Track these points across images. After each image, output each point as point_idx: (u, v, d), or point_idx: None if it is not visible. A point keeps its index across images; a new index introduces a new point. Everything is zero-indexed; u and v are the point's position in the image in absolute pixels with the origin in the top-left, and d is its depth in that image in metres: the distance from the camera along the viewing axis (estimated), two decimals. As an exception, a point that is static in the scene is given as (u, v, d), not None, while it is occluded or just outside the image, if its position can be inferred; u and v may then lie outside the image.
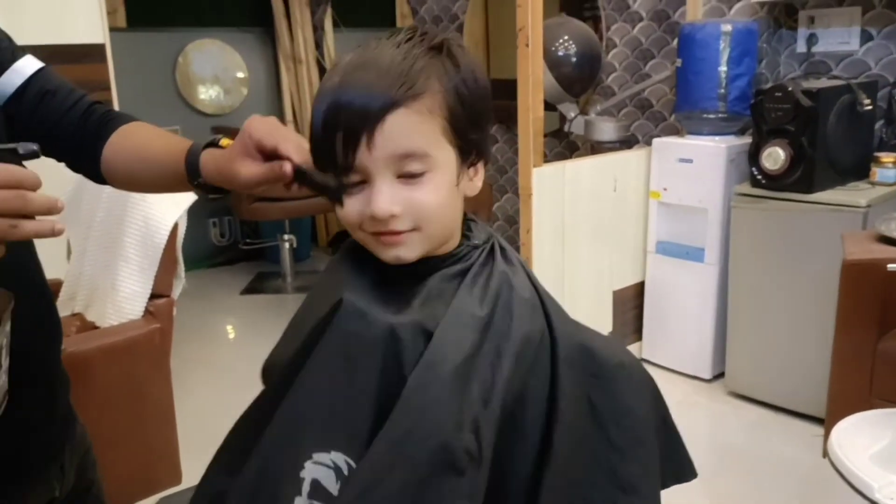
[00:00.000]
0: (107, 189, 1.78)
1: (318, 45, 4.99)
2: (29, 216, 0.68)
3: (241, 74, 4.90)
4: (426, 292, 0.75)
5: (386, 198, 0.71)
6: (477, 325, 0.73)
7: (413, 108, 0.70)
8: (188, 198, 1.74)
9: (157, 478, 1.57)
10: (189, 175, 0.92)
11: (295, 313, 0.86)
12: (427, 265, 0.77)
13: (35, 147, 0.69)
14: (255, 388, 0.86)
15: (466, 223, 0.81)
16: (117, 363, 1.54)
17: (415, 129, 0.71)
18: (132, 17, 4.34)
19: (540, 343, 0.76)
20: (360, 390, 0.72)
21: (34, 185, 0.69)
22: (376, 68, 0.71)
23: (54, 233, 0.70)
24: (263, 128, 0.84)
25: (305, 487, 0.72)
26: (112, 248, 1.68)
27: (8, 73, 0.96)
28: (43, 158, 1.02)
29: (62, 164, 1.03)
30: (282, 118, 5.10)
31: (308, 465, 0.73)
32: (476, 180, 0.79)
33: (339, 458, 0.72)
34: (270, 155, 0.82)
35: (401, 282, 0.77)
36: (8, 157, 0.68)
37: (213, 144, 0.92)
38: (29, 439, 0.91)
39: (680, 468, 0.85)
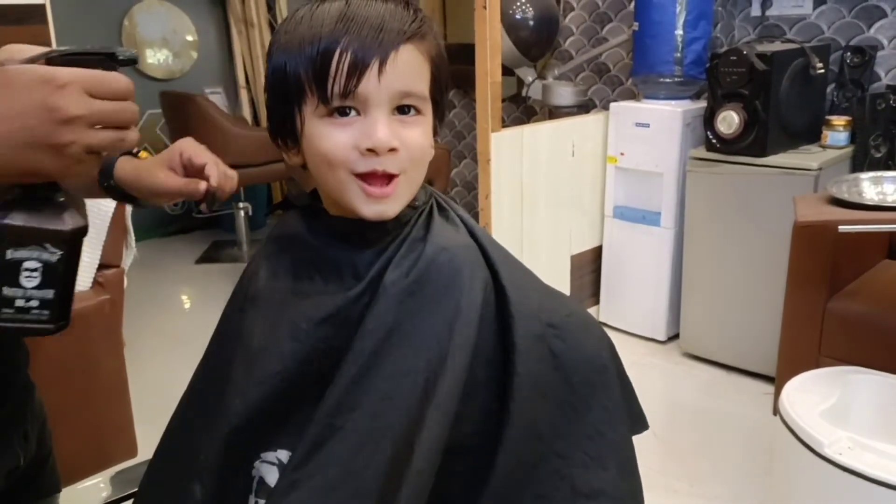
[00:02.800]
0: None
1: (271, 8, 4.85)
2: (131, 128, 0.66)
3: (190, 37, 4.75)
4: (360, 267, 0.75)
5: (387, 130, 0.70)
6: (403, 297, 0.72)
7: (420, 48, 0.72)
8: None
9: (112, 451, 1.54)
10: (101, 176, 0.95)
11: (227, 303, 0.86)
12: (375, 230, 0.76)
13: (134, 52, 0.66)
14: None
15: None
16: (67, 335, 1.49)
17: (420, 68, 0.73)
18: (74, -24, 4.16)
19: (484, 299, 0.75)
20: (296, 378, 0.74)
21: (134, 96, 0.66)
22: (379, 5, 0.71)
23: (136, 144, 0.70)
24: (196, 147, 0.94)
25: (254, 486, 0.75)
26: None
27: None
28: None
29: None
30: (234, 83, 4.97)
31: (257, 464, 0.75)
32: (433, 145, 0.78)
33: (283, 454, 0.74)
34: (194, 173, 0.92)
35: (338, 252, 0.77)
36: (104, 62, 0.63)
37: (131, 154, 0.98)
38: None
39: (634, 421, 0.86)
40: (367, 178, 0.71)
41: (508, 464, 0.72)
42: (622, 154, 3.00)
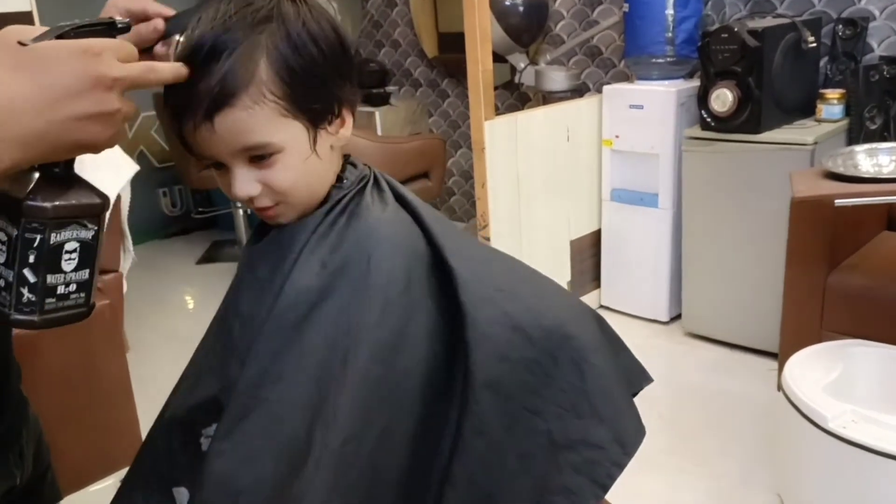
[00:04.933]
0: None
1: (260, 4, 4.83)
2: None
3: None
4: (285, 243, 0.78)
5: (241, 184, 0.74)
6: (324, 272, 0.75)
7: (238, 106, 0.70)
8: (131, 168, 1.68)
9: (118, 455, 1.54)
10: None
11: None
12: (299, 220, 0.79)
13: (129, 20, 0.66)
14: None
15: (345, 166, 0.83)
16: (67, 342, 1.50)
17: (244, 125, 0.71)
18: (61, -19, 4.14)
19: (409, 273, 0.76)
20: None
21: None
22: (197, 61, 0.69)
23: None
24: None
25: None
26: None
27: None
28: None
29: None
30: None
31: (202, 440, 0.81)
32: (344, 130, 0.79)
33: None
34: (139, 20, 0.79)
35: (274, 232, 0.81)
36: (107, 31, 0.63)
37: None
38: None
39: (634, 375, 0.86)
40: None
41: (473, 427, 0.73)
42: (617, 137, 3.00)
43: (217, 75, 0.69)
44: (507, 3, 3.33)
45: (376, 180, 0.84)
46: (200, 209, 4.78)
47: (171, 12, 0.80)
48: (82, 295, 0.64)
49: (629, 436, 0.79)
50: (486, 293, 0.77)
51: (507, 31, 3.31)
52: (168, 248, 4.67)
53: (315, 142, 0.75)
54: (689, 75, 2.96)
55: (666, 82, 2.88)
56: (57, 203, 0.61)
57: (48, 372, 1.44)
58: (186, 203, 4.87)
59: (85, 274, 0.64)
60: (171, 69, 0.68)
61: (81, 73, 0.58)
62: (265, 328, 0.74)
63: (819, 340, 2.12)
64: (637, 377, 0.87)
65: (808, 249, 2.28)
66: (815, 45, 2.61)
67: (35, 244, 0.60)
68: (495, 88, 2.90)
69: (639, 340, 2.91)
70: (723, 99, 2.57)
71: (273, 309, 0.74)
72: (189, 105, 0.70)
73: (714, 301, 2.84)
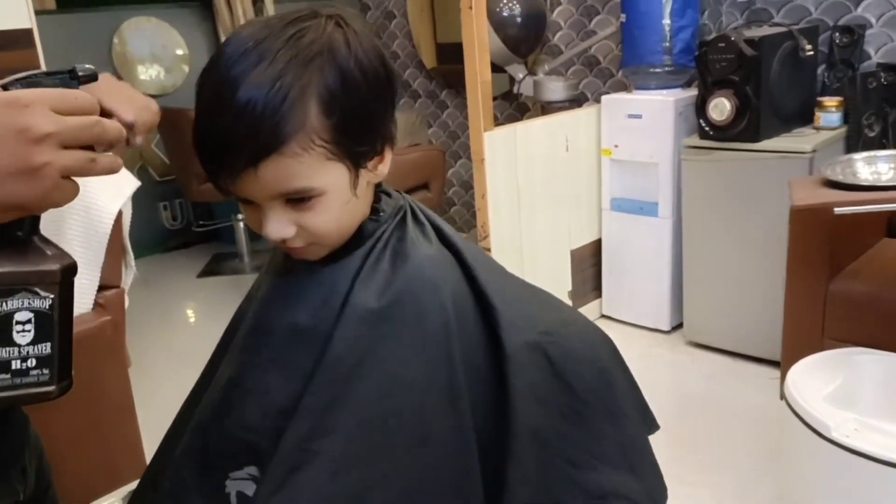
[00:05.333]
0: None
1: (259, 15, 4.86)
2: (104, 148, 0.60)
3: (180, 52, 4.76)
4: (326, 286, 0.75)
5: (275, 225, 0.70)
6: (374, 320, 0.72)
7: (285, 153, 0.66)
8: (131, 184, 1.68)
9: (120, 471, 1.54)
10: None
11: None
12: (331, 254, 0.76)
13: (93, 68, 0.61)
14: None
15: (378, 195, 0.79)
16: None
17: (292, 171, 0.67)
18: (62, -3, 4.17)
19: (458, 316, 0.74)
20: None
21: (99, 112, 0.61)
22: (240, 102, 0.64)
23: (118, 169, 0.64)
24: (100, 91, 0.80)
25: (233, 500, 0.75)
26: (52, 238, 1.61)
27: None
28: None
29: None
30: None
31: (228, 482, 0.75)
32: (381, 167, 0.76)
33: (252, 469, 0.74)
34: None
35: (307, 270, 0.77)
36: (65, 81, 0.59)
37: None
38: None
39: (645, 422, 0.86)
40: None
41: (519, 476, 0.72)
42: (616, 146, 3.00)
43: (268, 122, 0.64)
44: (505, 14, 3.35)
45: (413, 211, 0.81)
46: (201, 222, 4.79)
47: (129, 117, 0.75)
48: (45, 371, 0.58)
49: (658, 492, 0.80)
50: (533, 338, 0.75)
51: (504, 42, 3.33)
52: (169, 261, 4.67)
53: (356, 184, 0.72)
54: (687, 84, 2.97)
55: (664, 91, 2.89)
56: (2, 269, 0.56)
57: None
58: (187, 216, 4.88)
59: (46, 348, 0.58)
60: (116, 130, 0.62)
61: (6, 125, 0.54)
62: (314, 380, 0.71)
63: (821, 348, 2.12)
64: (649, 422, 0.86)
65: (808, 257, 2.29)
66: (812, 53, 2.63)
67: None
68: (494, 99, 2.91)
69: (640, 350, 2.91)
70: (721, 108, 2.58)
71: (322, 361, 0.71)
72: (231, 148, 0.66)
73: (715, 310, 2.84)
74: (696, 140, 2.73)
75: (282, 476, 0.69)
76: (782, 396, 1.87)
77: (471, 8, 2.51)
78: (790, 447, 1.85)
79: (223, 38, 4.80)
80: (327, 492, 0.68)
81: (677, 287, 2.98)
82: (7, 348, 0.56)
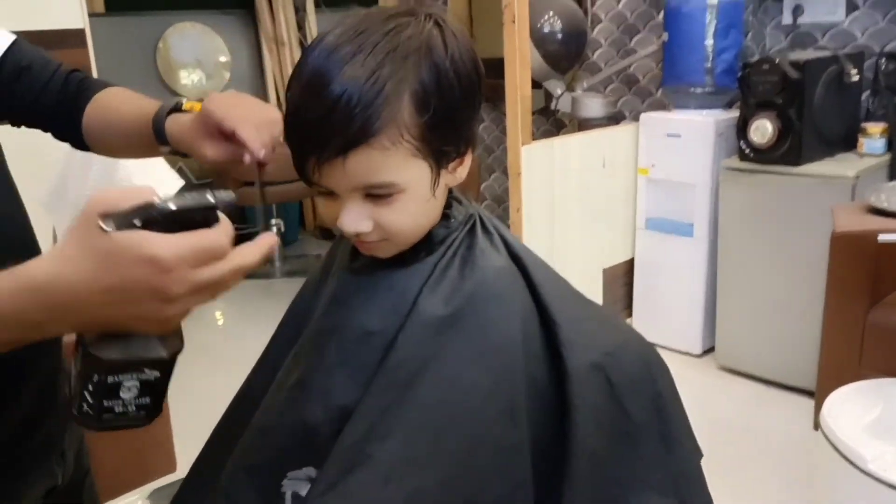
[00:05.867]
0: (92, 174, 1.75)
1: (301, 27, 4.92)
2: None
3: (223, 58, 4.83)
4: (396, 291, 0.74)
5: (352, 217, 0.70)
6: (439, 326, 0.71)
7: (374, 145, 0.65)
8: (176, 184, 1.71)
9: (152, 466, 1.56)
10: (158, 139, 0.91)
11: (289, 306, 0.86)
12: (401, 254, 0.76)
13: (233, 197, 0.61)
14: (247, 373, 0.88)
15: (450, 201, 0.78)
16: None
17: (378, 164, 0.67)
18: (111, 1, 4.26)
19: (525, 329, 0.73)
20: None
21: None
22: (336, 92, 0.64)
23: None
24: (222, 109, 0.83)
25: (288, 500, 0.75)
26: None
27: None
28: (33, 133, 1.01)
29: (43, 150, 1.02)
30: (266, 101, 5.04)
31: (285, 482, 0.75)
32: (461, 170, 0.75)
33: (311, 470, 0.74)
34: (226, 137, 0.83)
35: (379, 273, 0.76)
36: (205, 214, 0.58)
37: (177, 108, 0.92)
38: (33, 431, 0.89)
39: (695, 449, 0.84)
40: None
41: (573, 497, 0.71)
42: (653, 165, 2.98)
43: (361, 113, 0.64)
44: (546, 30, 3.35)
45: (482, 220, 0.80)
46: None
47: (256, 141, 0.80)
48: (142, 413, 0.64)
49: None
50: (596, 358, 0.74)
51: (544, 58, 3.33)
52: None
53: (436, 184, 0.71)
54: (728, 105, 2.95)
55: (704, 112, 2.87)
56: (113, 358, 0.60)
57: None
58: (222, 219, 4.93)
59: (146, 400, 0.63)
60: (246, 268, 0.62)
61: (144, 284, 0.56)
62: (375, 383, 0.71)
63: (857, 379, 2.07)
64: (696, 448, 0.84)
65: (848, 285, 2.24)
66: (857, 78, 2.59)
67: (93, 379, 0.61)
68: (531, 114, 2.91)
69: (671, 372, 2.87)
70: (762, 130, 2.55)
71: (384, 362, 0.71)
72: (322, 136, 0.65)
73: (749, 335, 2.79)
74: (735, 162, 2.70)
75: (334, 477, 0.69)
76: (816, 426, 1.83)
77: (513, 22, 2.52)
78: (824, 478, 1.81)
79: (265, 47, 4.87)
80: (379, 497, 0.68)
81: (710, 310, 2.94)
82: (113, 400, 0.62)
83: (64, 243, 0.57)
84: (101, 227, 0.55)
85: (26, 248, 0.90)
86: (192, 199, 0.58)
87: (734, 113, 2.81)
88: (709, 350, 3.00)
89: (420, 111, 0.67)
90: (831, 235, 2.18)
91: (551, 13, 3.35)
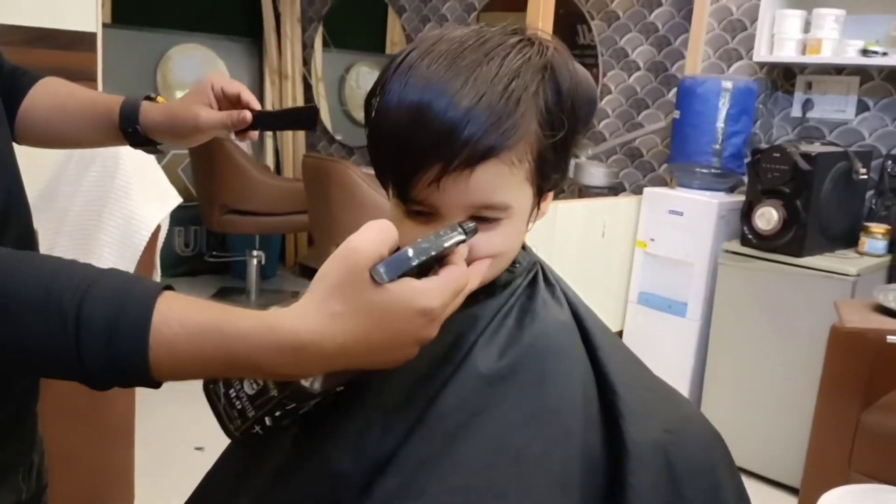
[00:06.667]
0: (87, 181, 1.67)
1: (306, 63, 4.92)
2: None
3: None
4: (452, 335, 0.67)
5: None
6: (492, 379, 0.65)
7: (504, 160, 0.60)
8: (174, 200, 1.63)
9: (110, 496, 1.44)
10: (122, 121, 0.94)
11: None
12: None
13: (473, 225, 0.61)
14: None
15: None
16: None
17: (502, 181, 0.62)
18: (118, 12, 4.22)
19: (584, 394, 0.67)
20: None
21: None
22: (469, 99, 0.58)
23: None
24: (224, 78, 0.95)
25: None
26: (86, 245, 1.55)
27: None
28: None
29: (40, 151, 1.00)
30: (262, 132, 4.99)
31: None
32: (544, 205, 0.70)
33: None
34: (228, 105, 0.94)
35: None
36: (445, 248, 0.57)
37: (149, 99, 0.97)
38: (5, 446, 0.84)
39: None
40: None
41: None
42: (652, 240, 2.96)
43: (499, 123, 0.59)
44: (556, 94, 3.36)
45: (544, 270, 0.74)
46: (214, 252, 4.72)
47: (257, 105, 0.92)
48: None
49: None
50: (657, 436, 0.68)
51: (552, 121, 3.33)
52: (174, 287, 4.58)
53: (534, 216, 0.67)
54: (731, 189, 2.95)
55: (707, 193, 2.86)
56: (324, 389, 0.60)
57: (57, 397, 1.35)
58: (200, 244, 4.82)
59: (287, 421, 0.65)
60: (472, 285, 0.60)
61: (413, 336, 0.55)
62: (414, 434, 0.63)
63: (846, 481, 2.01)
64: None
65: (844, 382, 2.20)
66: (865, 177, 2.60)
67: (287, 408, 0.61)
68: (536, 175, 2.89)
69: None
70: (768, 217, 2.54)
71: (427, 411, 0.64)
72: (449, 145, 0.58)
73: (734, 424, 2.73)
74: (736, 245, 2.69)
75: None
76: (809, 527, 1.76)
77: (531, 81, 2.51)
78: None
79: (268, 78, 4.85)
80: None
81: (696, 393, 2.88)
82: (287, 419, 0.63)
83: (326, 302, 0.53)
84: (374, 280, 0.53)
85: (27, 233, 0.86)
86: (443, 238, 0.57)
87: (737, 197, 2.81)
88: (690, 434, 2.93)
89: (545, 131, 0.62)
90: (832, 330, 2.15)
91: (563, 78, 3.36)
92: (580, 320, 0.72)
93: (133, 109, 0.94)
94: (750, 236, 2.62)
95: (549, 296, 0.72)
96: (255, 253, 4.28)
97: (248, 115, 0.92)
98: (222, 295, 4.43)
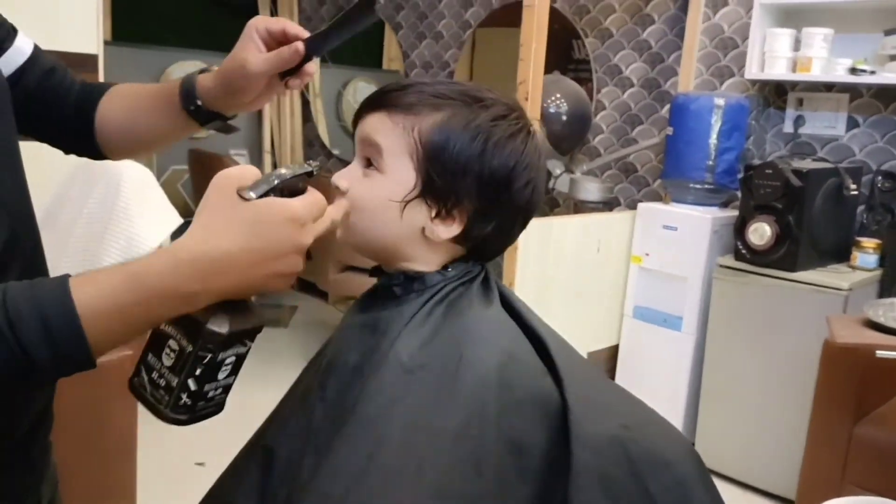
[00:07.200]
0: (90, 203, 1.70)
1: (304, 79, 4.95)
2: None
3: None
4: (380, 330, 0.76)
5: (344, 171, 0.79)
6: (411, 367, 0.72)
7: (393, 117, 0.76)
8: (175, 221, 1.65)
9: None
10: (184, 100, 0.92)
11: None
12: (393, 281, 0.79)
13: (318, 164, 0.73)
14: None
15: (457, 262, 0.81)
16: (82, 389, 1.43)
17: (384, 128, 0.76)
18: (118, 30, 4.26)
19: (501, 380, 0.72)
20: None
21: None
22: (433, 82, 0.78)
23: None
24: (270, 20, 0.89)
25: None
26: (88, 266, 1.57)
27: (10, 53, 0.91)
28: (35, 154, 0.98)
29: (43, 171, 0.99)
30: (260, 146, 5.03)
31: None
32: (438, 228, 0.77)
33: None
34: (279, 42, 0.88)
35: (369, 309, 0.80)
36: (305, 179, 0.68)
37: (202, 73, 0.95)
38: (14, 471, 0.84)
39: None
40: None
41: None
42: (647, 254, 2.99)
43: (411, 94, 0.76)
44: (553, 110, 3.40)
45: (486, 278, 0.81)
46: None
47: (306, 34, 0.87)
48: (223, 395, 0.70)
49: None
50: (609, 428, 0.72)
51: (548, 137, 3.37)
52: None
53: (406, 202, 0.76)
54: (724, 205, 2.99)
55: (701, 208, 2.90)
56: (231, 329, 0.65)
57: (60, 413, 1.37)
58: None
59: (231, 379, 0.69)
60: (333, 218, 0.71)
61: (286, 240, 0.63)
62: (348, 420, 0.71)
63: (839, 493, 2.03)
64: None
65: (837, 395, 2.23)
66: (855, 192, 2.64)
67: (205, 361, 0.65)
68: (532, 191, 2.92)
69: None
70: (761, 232, 2.58)
71: (357, 401, 0.71)
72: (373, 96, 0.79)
73: (730, 436, 2.76)
74: (730, 260, 2.72)
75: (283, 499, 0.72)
76: (804, 539, 1.78)
77: (526, 99, 2.55)
78: None
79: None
80: None
81: (692, 407, 2.91)
82: (211, 383, 0.67)
83: (205, 219, 0.63)
84: (243, 198, 0.62)
85: (37, 253, 0.87)
86: (295, 168, 0.67)
87: (730, 212, 2.85)
88: (686, 447, 2.95)
89: (446, 134, 0.75)
90: (825, 345, 2.18)
91: (559, 95, 3.41)
92: (523, 321, 0.79)
93: (190, 85, 0.92)
94: (743, 251, 2.65)
95: (482, 296, 0.78)
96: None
97: (299, 45, 0.86)
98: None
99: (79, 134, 0.97)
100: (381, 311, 0.78)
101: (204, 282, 0.61)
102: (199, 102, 0.91)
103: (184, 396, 0.66)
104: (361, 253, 0.81)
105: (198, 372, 0.65)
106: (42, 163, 1.08)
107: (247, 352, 0.68)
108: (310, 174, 0.68)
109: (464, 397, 0.70)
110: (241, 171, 0.64)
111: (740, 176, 2.76)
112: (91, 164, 1.90)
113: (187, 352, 0.65)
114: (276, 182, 0.64)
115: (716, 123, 2.81)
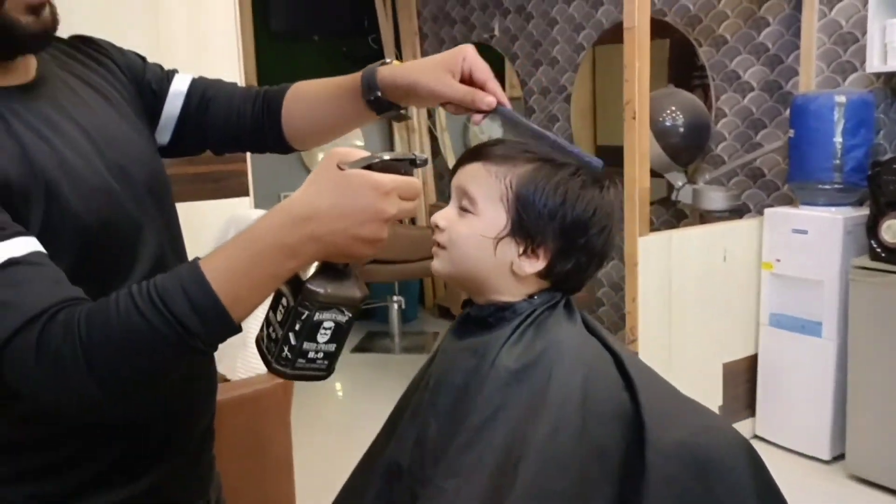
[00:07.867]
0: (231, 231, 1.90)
1: (430, 115, 5.20)
2: None
3: (358, 142, 5.17)
4: (480, 352, 0.89)
5: (442, 213, 0.93)
6: (509, 380, 0.85)
7: (487, 167, 0.90)
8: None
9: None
10: (365, 90, 1.00)
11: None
12: (484, 312, 0.92)
13: (425, 157, 0.81)
14: (364, 444, 1.03)
15: (543, 293, 0.92)
16: (243, 415, 1.66)
17: (477, 178, 0.90)
18: (262, 82, 4.66)
19: (585, 391, 0.83)
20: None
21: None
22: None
23: None
24: (477, 59, 0.96)
25: None
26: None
27: (169, 100, 1.05)
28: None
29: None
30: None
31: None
32: (525, 264, 0.89)
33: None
34: (468, 80, 0.95)
35: (466, 336, 0.93)
36: (407, 166, 0.77)
37: (384, 64, 1.02)
38: (189, 479, 1.01)
39: None
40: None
41: None
42: (778, 260, 2.93)
43: (503, 148, 0.91)
44: (668, 123, 3.41)
45: (568, 303, 0.93)
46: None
47: (505, 100, 0.96)
48: (325, 362, 0.78)
49: None
50: (679, 434, 0.81)
51: (665, 150, 3.37)
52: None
53: (498, 241, 0.88)
54: (858, 203, 2.87)
55: (832, 209, 2.81)
56: (328, 291, 0.75)
57: (224, 438, 1.58)
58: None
59: (332, 347, 0.77)
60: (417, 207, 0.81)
61: (370, 206, 0.72)
62: (459, 430, 0.85)
63: None
64: None
65: None
66: None
67: (303, 317, 0.74)
68: (651, 204, 2.95)
69: (794, 478, 2.73)
70: (894, 229, 2.47)
71: (468, 415, 0.85)
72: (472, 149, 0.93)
73: (884, 444, 2.63)
74: (866, 261, 2.62)
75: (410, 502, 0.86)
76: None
77: (634, 118, 2.60)
78: None
79: (397, 134, 5.18)
80: None
81: (840, 414, 2.80)
82: (310, 343, 0.76)
83: (306, 184, 0.75)
84: (339, 168, 0.73)
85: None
86: (397, 154, 0.76)
87: (864, 211, 2.74)
88: (838, 457, 2.84)
89: (527, 182, 0.88)
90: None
91: (673, 108, 3.41)
92: (605, 342, 0.90)
93: (371, 77, 0.99)
94: (878, 250, 2.55)
95: (566, 318, 0.91)
96: (395, 298, 4.56)
97: (490, 99, 0.94)
98: (369, 339, 4.74)
99: (265, 140, 1.10)
100: (478, 337, 0.91)
101: (302, 239, 0.71)
102: (379, 94, 0.99)
103: (285, 349, 0.75)
104: (455, 284, 0.96)
105: (297, 327, 0.74)
106: (194, 224, 1.28)
107: (347, 323, 0.77)
108: (413, 161, 0.77)
109: (554, 407, 0.82)
110: (348, 150, 0.75)
111: (870, 173, 2.66)
112: (238, 214, 2.14)
113: (290, 306, 0.75)
114: (375, 160, 0.74)
115: (839, 121, 2.72)
